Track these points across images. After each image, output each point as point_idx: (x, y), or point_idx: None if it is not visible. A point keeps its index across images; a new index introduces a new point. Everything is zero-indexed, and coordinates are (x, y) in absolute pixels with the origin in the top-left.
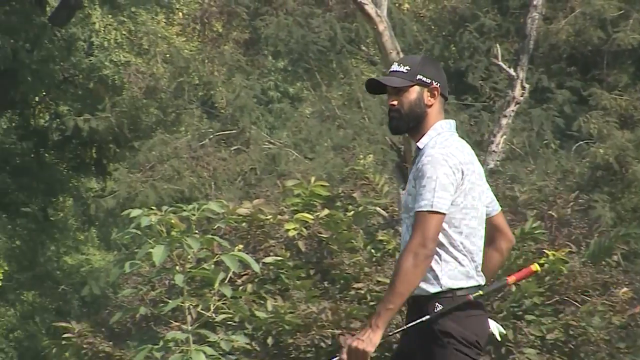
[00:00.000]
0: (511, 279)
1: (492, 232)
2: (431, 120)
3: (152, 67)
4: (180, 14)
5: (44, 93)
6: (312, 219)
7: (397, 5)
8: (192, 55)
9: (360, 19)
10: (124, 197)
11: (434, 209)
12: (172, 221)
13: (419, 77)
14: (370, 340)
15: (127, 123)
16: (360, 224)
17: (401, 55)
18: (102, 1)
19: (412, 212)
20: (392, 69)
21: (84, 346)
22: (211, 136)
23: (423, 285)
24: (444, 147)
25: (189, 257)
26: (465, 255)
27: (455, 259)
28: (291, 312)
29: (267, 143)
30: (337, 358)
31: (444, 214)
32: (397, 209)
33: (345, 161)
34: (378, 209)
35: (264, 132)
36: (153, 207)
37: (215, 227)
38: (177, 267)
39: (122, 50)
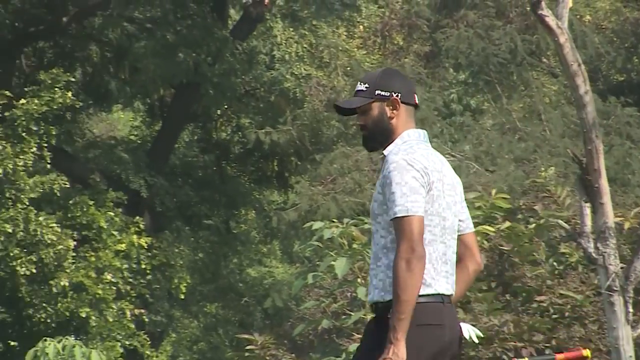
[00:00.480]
0: (560, 356)
1: (461, 250)
2: (399, 130)
3: (333, 80)
4: (361, 27)
5: (226, 106)
6: (494, 232)
7: (578, 17)
8: (373, 68)
9: (541, 31)
10: (305, 210)
11: (409, 213)
12: (354, 234)
13: (377, 92)
14: (397, 356)
15: (308, 136)
16: (542, 237)
17: (582, 67)
18: (284, 14)
19: (378, 218)
20: (356, 89)
21: (267, 358)
22: None
23: (381, 292)
24: (408, 154)
25: None
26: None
27: None
28: (473, 325)
29: (448, 155)
30: None
31: (422, 215)
32: (579, 222)
33: (526, 174)
34: (560, 221)
35: (445, 145)
36: (334, 220)
37: None
38: (359, 280)
39: (303, 63)
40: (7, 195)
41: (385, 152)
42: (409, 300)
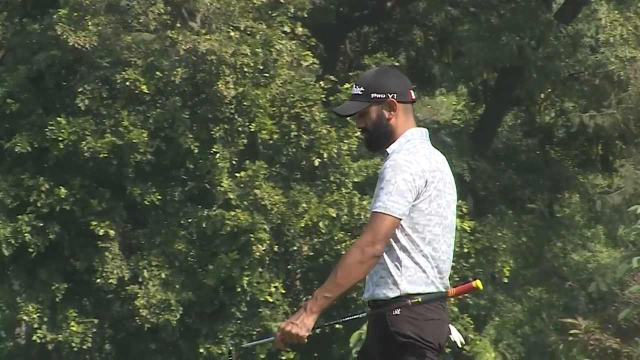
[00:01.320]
0: (451, 291)
1: None
2: (399, 130)
3: None
4: None
5: (549, 90)
6: None
7: None
8: None
9: None
10: (630, 194)
11: (387, 212)
12: None
13: (373, 95)
14: (303, 324)
15: (633, 119)
16: None
17: None
18: None
19: None
20: (352, 92)
21: (591, 342)
22: None
23: (383, 289)
24: (410, 154)
25: None
26: (428, 261)
27: (417, 264)
28: None
29: None
30: (271, 339)
31: (399, 218)
32: None
33: None
34: None
35: None
36: None
37: None
38: None
39: (628, 46)
40: (332, 179)
41: (389, 150)
42: (344, 285)
